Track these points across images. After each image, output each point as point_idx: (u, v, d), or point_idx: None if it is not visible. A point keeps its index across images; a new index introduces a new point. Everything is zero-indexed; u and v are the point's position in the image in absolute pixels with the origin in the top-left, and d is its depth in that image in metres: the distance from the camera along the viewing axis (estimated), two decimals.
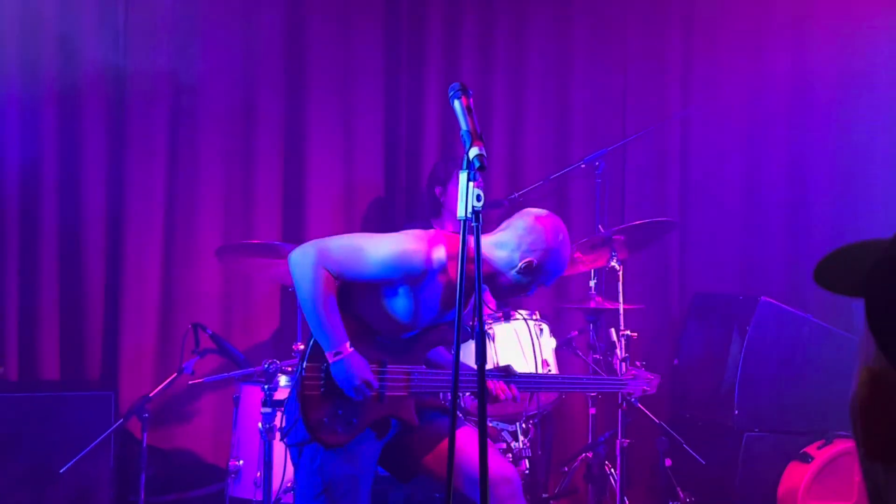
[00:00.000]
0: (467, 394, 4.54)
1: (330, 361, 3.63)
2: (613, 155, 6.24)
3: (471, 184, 3.01)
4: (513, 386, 3.87)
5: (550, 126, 6.60)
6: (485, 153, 3.02)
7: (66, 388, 5.58)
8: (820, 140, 6.78)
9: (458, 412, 3.61)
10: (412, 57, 6.42)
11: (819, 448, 5.48)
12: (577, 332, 5.47)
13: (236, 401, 5.23)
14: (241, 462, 5.14)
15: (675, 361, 6.29)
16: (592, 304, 5.39)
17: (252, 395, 5.13)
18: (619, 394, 4.59)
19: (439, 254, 3.64)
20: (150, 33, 5.92)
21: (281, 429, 4.11)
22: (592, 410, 5.46)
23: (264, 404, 4.65)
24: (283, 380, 4.93)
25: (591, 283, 5.43)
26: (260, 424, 4.66)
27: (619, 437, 5.01)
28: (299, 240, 5.99)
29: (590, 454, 5.44)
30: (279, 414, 4.60)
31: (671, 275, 6.66)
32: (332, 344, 3.62)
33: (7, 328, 5.70)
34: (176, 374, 5.08)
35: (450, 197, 5.82)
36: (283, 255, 5.10)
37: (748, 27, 6.78)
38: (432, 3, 6.42)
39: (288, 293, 5.88)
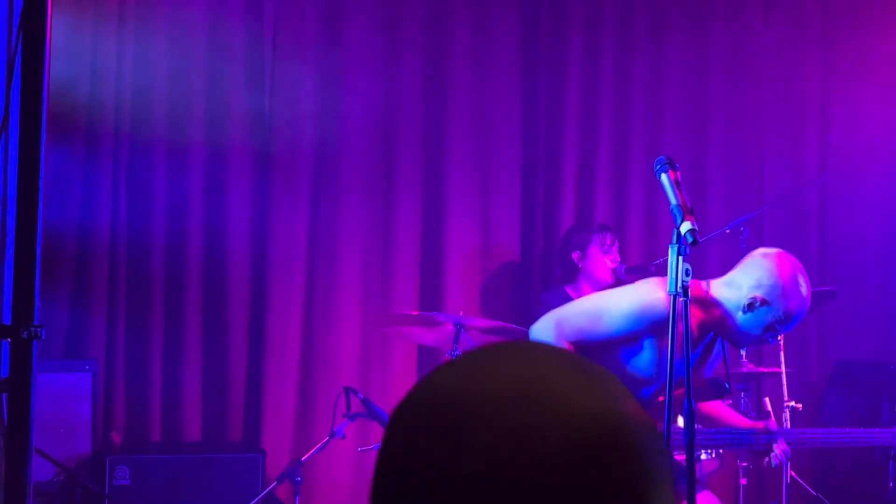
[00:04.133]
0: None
1: None
2: (752, 219, 6.17)
3: (680, 258, 3.00)
4: (782, 441, 3.80)
5: (687, 189, 6.54)
6: (697, 228, 3.01)
7: (213, 450, 5.61)
8: None
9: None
10: (550, 121, 6.43)
11: None
12: (730, 401, 5.37)
13: None
14: None
15: None
16: (744, 370, 5.30)
17: None
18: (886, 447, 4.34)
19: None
20: (294, 99, 6.00)
21: None
22: (744, 481, 5.36)
23: None
24: None
25: (742, 350, 5.35)
26: None
27: None
28: (437, 305, 6.05)
29: None
30: None
31: (810, 341, 6.55)
32: None
33: (152, 387, 5.77)
34: (328, 437, 5.10)
35: (589, 260, 5.80)
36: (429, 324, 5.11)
37: (887, 86, 6.69)
38: (570, 68, 6.43)
39: (425, 351, 5.89)
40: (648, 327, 3.55)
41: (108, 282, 5.73)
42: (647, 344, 3.58)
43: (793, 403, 4.96)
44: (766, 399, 5.16)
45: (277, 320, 5.95)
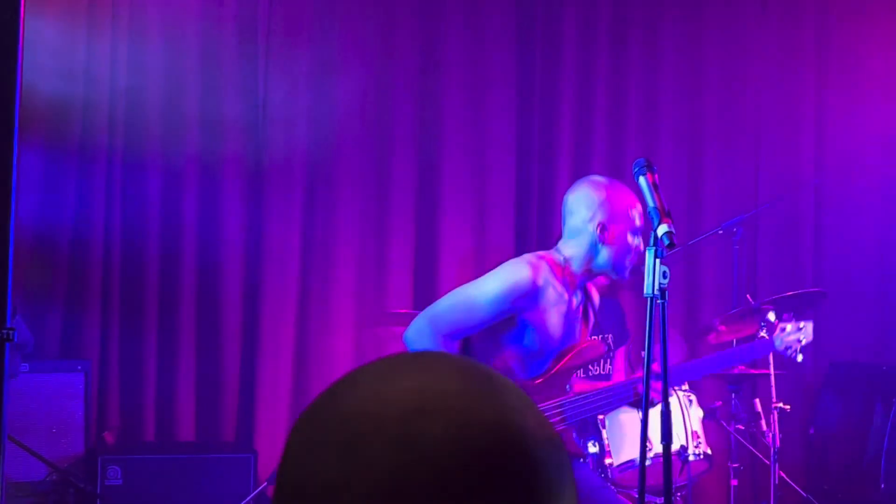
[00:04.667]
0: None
1: None
2: (745, 220, 6.16)
3: (657, 261, 3.00)
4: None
5: (682, 189, 6.54)
6: (674, 230, 3.01)
7: (204, 450, 5.62)
8: None
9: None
10: (544, 120, 6.43)
11: None
12: (720, 403, 5.36)
13: None
14: None
15: (811, 430, 6.16)
16: (735, 371, 5.29)
17: None
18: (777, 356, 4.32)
19: (543, 268, 3.62)
20: (288, 100, 6.00)
21: None
22: (734, 482, 5.35)
23: None
24: None
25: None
26: None
27: None
28: (430, 298, 6.05)
29: None
30: None
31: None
32: None
33: (145, 388, 5.78)
34: None
35: None
36: None
37: (882, 87, 6.66)
38: (564, 69, 6.43)
39: None
40: (517, 303, 3.57)
41: (101, 282, 5.75)
42: (522, 322, 3.61)
43: (780, 405, 4.95)
44: (757, 400, 5.18)
45: (271, 321, 5.96)
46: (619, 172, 6.43)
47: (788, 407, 4.99)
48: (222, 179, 5.93)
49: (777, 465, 4.96)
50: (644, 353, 3.06)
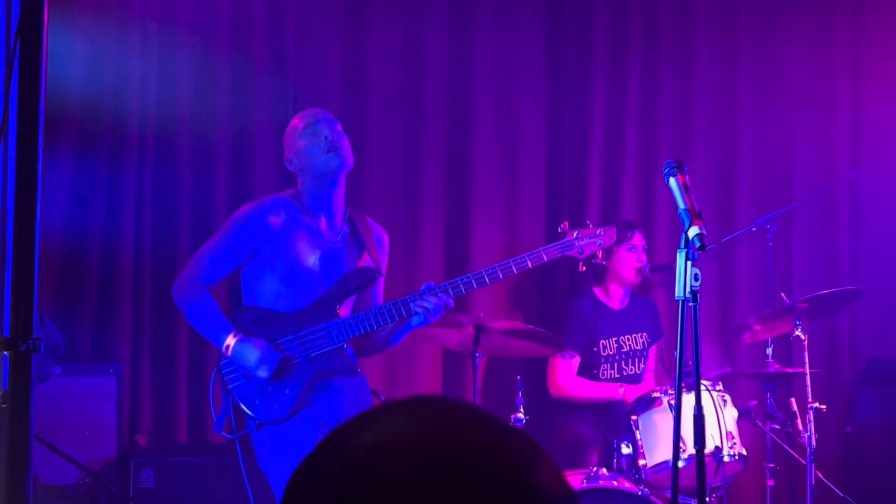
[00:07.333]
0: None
1: (228, 357, 3.92)
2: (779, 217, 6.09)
3: (689, 263, 2.96)
4: (442, 296, 3.99)
5: (715, 185, 6.47)
6: (705, 232, 2.97)
7: (237, 452, 5.60)
8: None
9: None
10: (576, 117, 6.37)
11: None
12: (755, 402, 5.30)
13: None
14: None
15: (848, 429, 6.09)
16: (771, 370, 5.23)
17: None
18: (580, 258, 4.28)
19: (271, 202, 4.09)
20: (317, 98, 5.98)
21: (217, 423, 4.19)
22: (770, 482, 5.30)
23: None
24: None
25: (768, 350, 5.27)
26: None
27: None
28: (461, 306, 6.01)
29: None
30: None
31: (841, 340, 6.44)
32: (219, 341, 3.94)
33: (177, 390, 5.78)
34: None
35: (614, 261, 5.71)
36: (451, 325, 5.07)
37: None
38: (596, 63, 6.38)
39: (451, 354, 5.85)
40: (255, 236, 4.01)
41: (132, 284, 5.74)
42: (271, 254, 3.99)
43: (817, 405, 4.88)
44: (793, 399, 5.11)
45: None
46: (651, 168, 6.41)
47: (824, 407, 4.92)
48: (253, 181, 5.92)
49: (814, 465, 4.90)
50: (676, 355, 3.00)
